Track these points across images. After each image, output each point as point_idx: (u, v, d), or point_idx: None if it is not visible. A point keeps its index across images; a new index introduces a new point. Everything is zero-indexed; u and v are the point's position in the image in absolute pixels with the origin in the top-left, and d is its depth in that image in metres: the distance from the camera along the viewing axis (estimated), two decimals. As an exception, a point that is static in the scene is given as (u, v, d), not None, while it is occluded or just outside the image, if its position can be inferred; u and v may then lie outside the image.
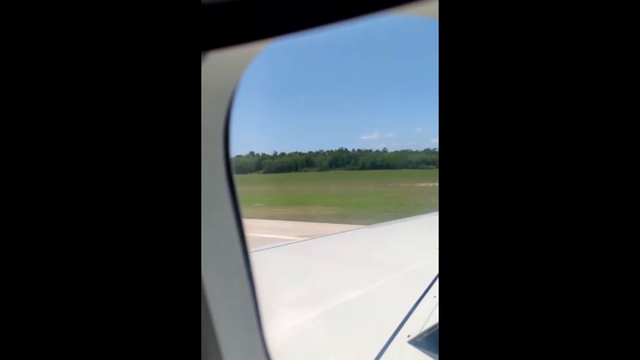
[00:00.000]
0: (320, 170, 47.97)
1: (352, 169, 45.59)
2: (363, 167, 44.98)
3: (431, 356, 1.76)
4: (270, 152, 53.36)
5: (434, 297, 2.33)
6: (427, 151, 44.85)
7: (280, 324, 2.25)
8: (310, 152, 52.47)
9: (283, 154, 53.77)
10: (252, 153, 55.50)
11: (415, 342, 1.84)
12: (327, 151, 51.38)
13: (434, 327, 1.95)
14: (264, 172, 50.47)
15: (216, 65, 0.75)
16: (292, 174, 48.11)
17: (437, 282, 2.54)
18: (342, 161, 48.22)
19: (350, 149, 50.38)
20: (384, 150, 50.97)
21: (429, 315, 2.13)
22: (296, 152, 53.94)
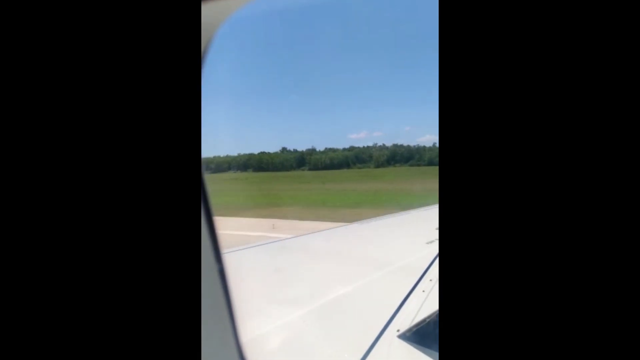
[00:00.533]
0: (378, 166, 42.98)
1: (418, 165, 41.33)
2: (430, 163, 40.90)
3: (420, 350, 1.71)
4: (303, 149, 47.22)
5: (423, 291, 2.20)
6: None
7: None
8: (360, 147, 47.33)
9: (314, 150, 47.78)
10: (284, 149, 48.67)
11: (404, 336, 1.78)
12: (378, 146, 46.58)
13: (422, 321, 1.90)
14: (310, 169, 44.00)
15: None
16: (345, 171, 42.45)
17: (425, 277, 2.38)
18: (400, 157, 43.73)
19: (401, 144, 46.24)
20: (434, 145, 47.61)
21: (417, 309, 2.04)
22: (329, 149, 48.35)
